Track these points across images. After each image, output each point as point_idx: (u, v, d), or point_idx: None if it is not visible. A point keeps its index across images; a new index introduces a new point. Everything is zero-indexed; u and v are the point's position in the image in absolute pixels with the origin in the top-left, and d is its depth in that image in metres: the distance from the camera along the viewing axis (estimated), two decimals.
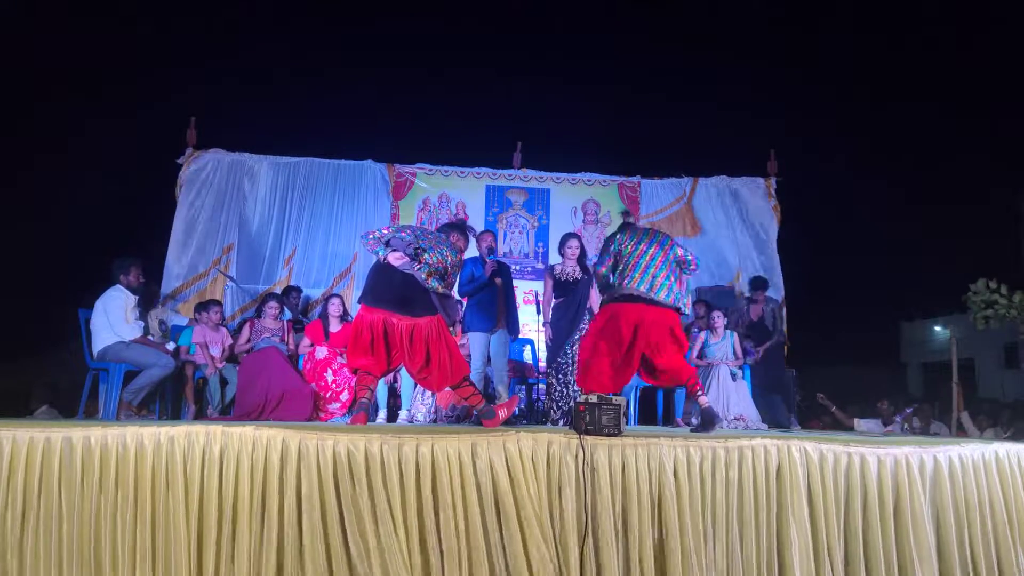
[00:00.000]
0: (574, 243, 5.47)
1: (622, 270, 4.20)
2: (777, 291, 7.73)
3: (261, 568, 2.53)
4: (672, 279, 4.23)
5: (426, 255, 4.05)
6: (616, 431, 2.90)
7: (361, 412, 3.93)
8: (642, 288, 4.10)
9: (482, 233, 5.86)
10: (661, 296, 4.11)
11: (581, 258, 5.50)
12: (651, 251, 4.21)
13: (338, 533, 2.56)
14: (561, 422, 5.08)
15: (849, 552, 2.87)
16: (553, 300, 5.46)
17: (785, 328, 7.32)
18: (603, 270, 4.35)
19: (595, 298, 5.42)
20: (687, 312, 4.35)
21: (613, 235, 4.41)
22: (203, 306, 6.17)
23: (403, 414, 5.62)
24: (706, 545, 2.73)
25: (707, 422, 3.93)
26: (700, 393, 4.10)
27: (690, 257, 4.35)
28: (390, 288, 4.01)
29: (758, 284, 7.12)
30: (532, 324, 6.59)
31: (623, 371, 4.17)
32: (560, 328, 5.35)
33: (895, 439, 3.65)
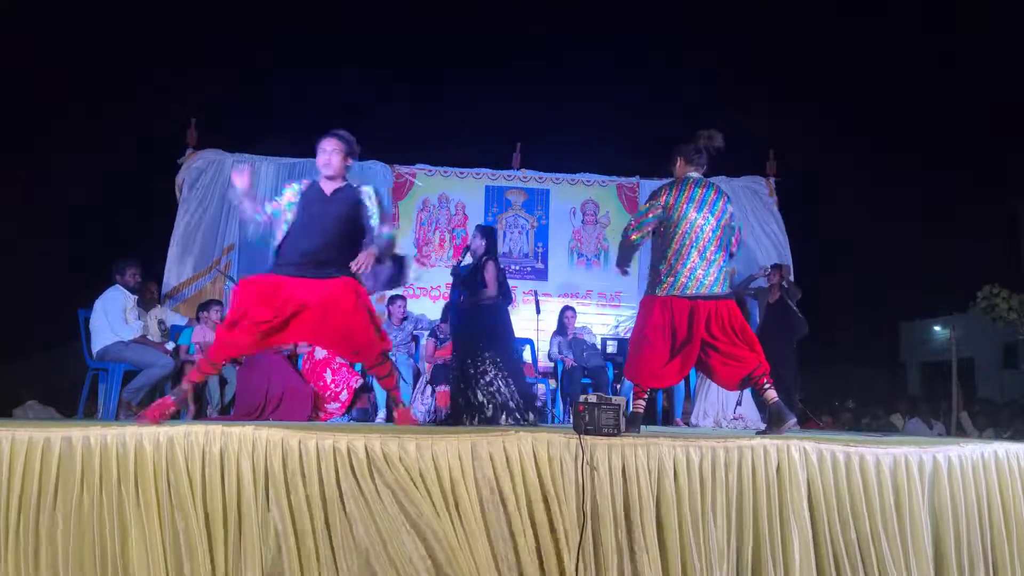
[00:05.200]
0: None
1: (667, 258, 3.67)
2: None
3: (270, 568, 2.53)
4: (723, 258, 3.75)
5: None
6: (616, 431, 2.90)
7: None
8: (691, 288, 3.65)
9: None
10: (705, 289, 3.66)
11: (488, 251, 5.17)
12: (708, 224, 3.67)
13: (344, 532, 2.56)
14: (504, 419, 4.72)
15: (849, 551, 2.87)
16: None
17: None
18: (635, 237, 3.79)
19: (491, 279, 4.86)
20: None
21: (662, 191, 3.78)
22: (204, 306, 6.18)
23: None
24: (706, 545, 2.73)
25: (776, 420, 3.56)
26: (767, 387, 3.64)
27: (734, 251, 3.88)
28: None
29: (778, 269, 7.08)
30: (532, 323, 6.60)
31: (682, 360, 3.73)
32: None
33: (895, 439, 3.65)
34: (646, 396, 3.85)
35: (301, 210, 3.51)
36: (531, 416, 4.53)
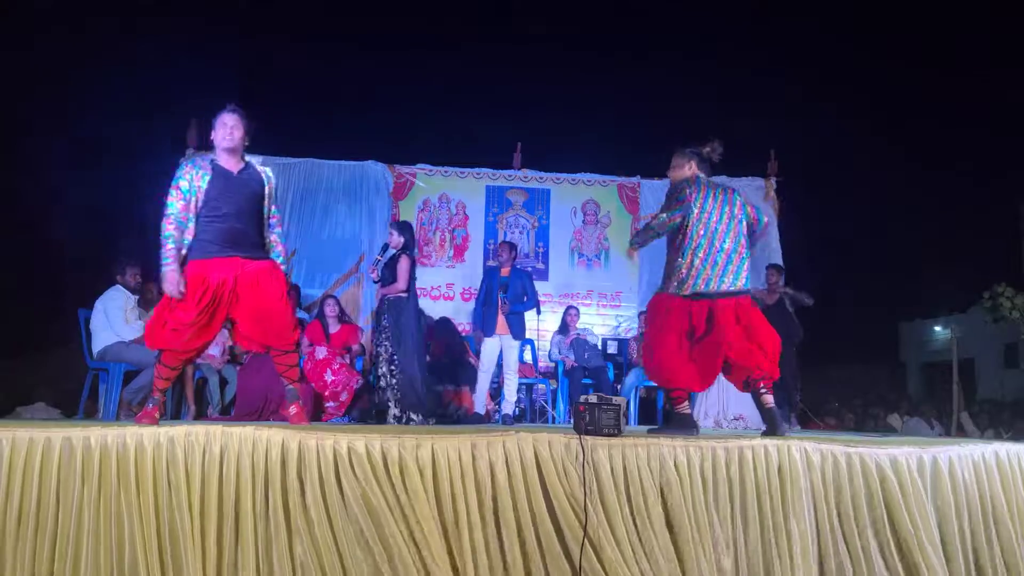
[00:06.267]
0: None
1: (686, 256, 3.66)
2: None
3: (269, 568, 2.53)
4: (741, 255, 3.71)
5: None
6: (616, 431, 2.90)
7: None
8: (701, 285, 3.64)
9: (501, 243, 6.17)
10: (725, 286, 3.64)
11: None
12: (722, 223, 3.69)
13: (344, 533, 2.56)
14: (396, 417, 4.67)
15: (851, 552, 2.87)
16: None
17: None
18: (663, 229, 3.74)
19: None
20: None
21: (686, 188, 3.74)
22: None
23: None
24: (709, 545, 2.73)
25: (770, 428, 3.56)
26: (763, 391, 3.64)
27: (764, 218, 3.78)
28: None
29: (775, 269, 7.07)
30: (532, 324, 6.60)
31: (703, 365, 3.71)
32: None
33: (895, 439, 3.65)
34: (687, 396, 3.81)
35: (213, 193, 3.42)
36: (416, 418, 4.57)
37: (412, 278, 4.86)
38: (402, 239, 4.90)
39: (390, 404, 4.64)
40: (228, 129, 3.46)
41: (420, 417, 4.61)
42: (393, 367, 4.68)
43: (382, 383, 4.72)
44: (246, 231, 3.44)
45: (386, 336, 4.76)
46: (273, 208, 3.58)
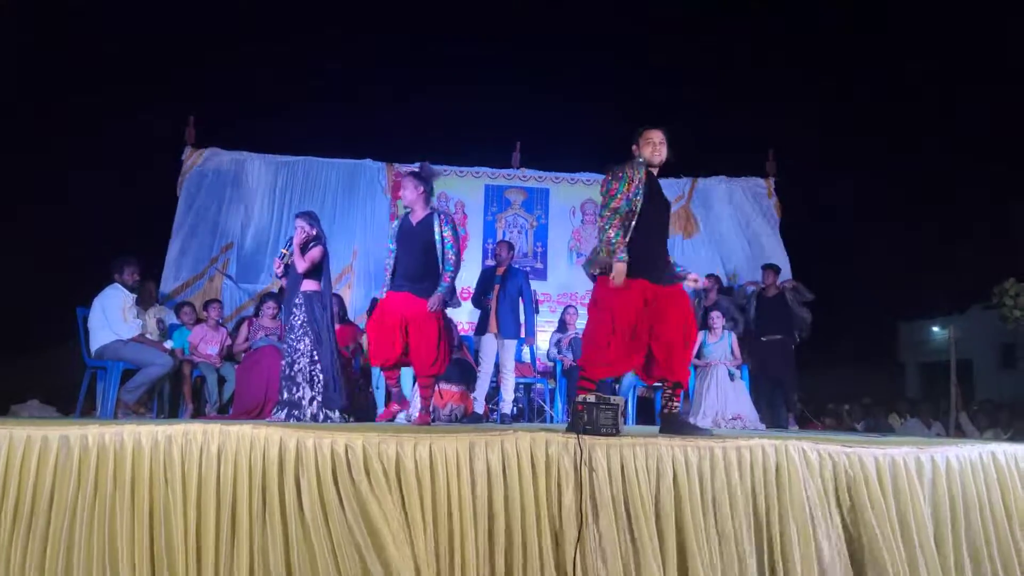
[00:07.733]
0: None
1: None
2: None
3: (264, 567, 2.53)
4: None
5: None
6: (614, 431, 2.90)
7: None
8: None
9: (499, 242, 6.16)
10: None
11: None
12: None
13: (340, 532, 2.56)
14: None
15: (850, 553, 2.87)
16: None
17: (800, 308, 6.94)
18: None
19: None
20: None
21: None
22: (187, 305, 6.29)
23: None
24: (706, 545, 2.72)
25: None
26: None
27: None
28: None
29: (771, 268, 7.10)
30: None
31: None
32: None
33: (894, 439, 3.65)
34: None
35: (398, 241, 4.37)
36: (334, 415, 4.48)
37: (325, 270, 4.71)
38: (313, 230, 4.71)
39: (305, 402, 4.46)
40: (402, 192, 4.48)
41: (338, 414, 4.49)
42: (315, 366, 4.52)
43: (299, 379, 4.51)
44: (415, 271, 4.25)
45: (304, 332, 4.55)
46: (447, 248, 4.26)
